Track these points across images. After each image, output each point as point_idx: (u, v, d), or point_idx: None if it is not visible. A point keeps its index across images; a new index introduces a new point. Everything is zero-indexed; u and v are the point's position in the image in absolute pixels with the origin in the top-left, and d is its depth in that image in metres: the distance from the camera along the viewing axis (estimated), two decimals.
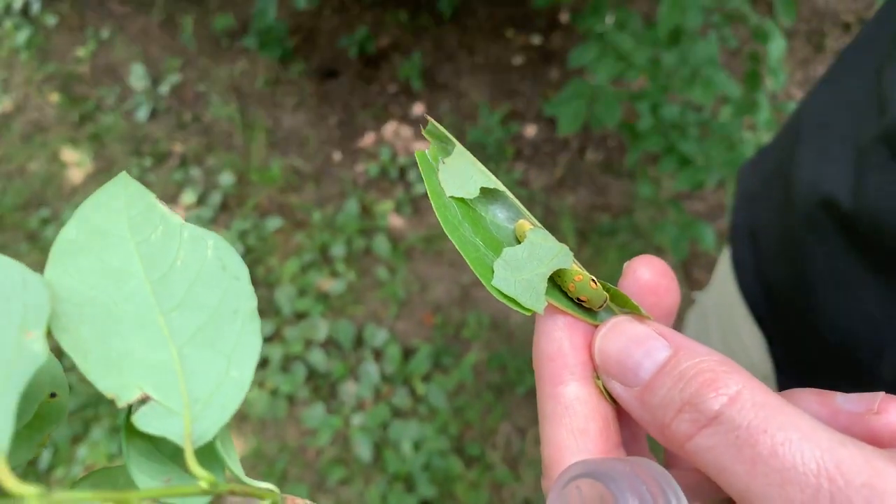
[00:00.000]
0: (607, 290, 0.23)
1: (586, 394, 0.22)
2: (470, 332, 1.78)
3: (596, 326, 0.23)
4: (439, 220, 0.21)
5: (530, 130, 2.17)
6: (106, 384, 0.16)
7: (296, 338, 1.72)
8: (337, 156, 2.07)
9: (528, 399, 1.71)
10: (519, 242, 0.22)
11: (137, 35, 2.31)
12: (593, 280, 0.22)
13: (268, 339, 1.73)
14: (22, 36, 2.30)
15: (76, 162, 2.03)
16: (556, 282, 0.22)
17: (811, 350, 0.48)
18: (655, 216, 1.94)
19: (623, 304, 0.23)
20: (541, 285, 0.21)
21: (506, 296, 0.21)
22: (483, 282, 0.21)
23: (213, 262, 0.17)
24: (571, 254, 0.22)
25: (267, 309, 1.79)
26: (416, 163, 2.32)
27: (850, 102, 0.43)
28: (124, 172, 0.19)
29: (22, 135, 2.10)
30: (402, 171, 2.03)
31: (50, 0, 2.39)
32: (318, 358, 1.69)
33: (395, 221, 1.97)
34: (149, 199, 0.18)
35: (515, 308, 0.21)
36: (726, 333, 0.59)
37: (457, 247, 0.21)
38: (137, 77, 2.20)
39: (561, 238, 1.53)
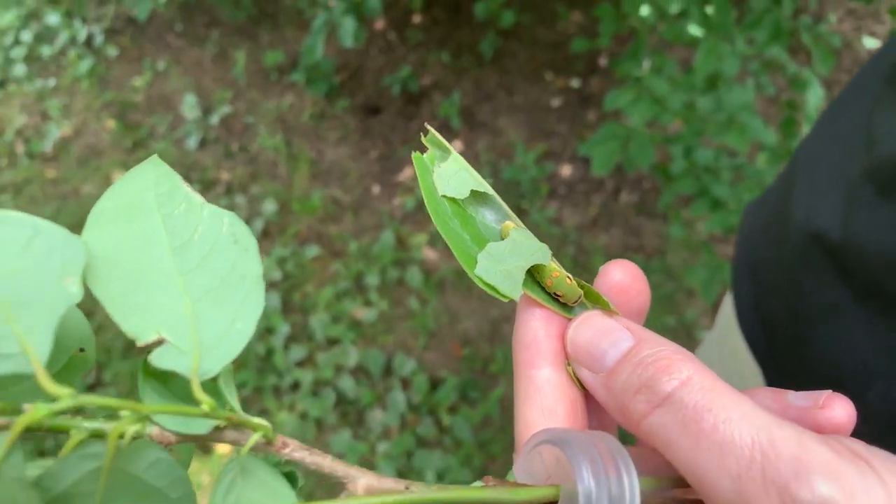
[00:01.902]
0: (582, 288, 0.25)
1: (557, 378, 0.24)
2: (497, 366, 1.79)
3: (570, 320, 0.25)
4: (430, 213, 0.23)
5: (566, 170, 2.20)
6: (129, 326, 0.19)
7: (327, 363, 1.75)
8: (376, 189, 2.12)
9: None
10: None
11: (191, 67, 2.42)
12: (569, 277, 0.25)
13: (299, 364, 1.77)
14: (84, 65, 2.42)
15: None
16: (536, 278, 0.25)
17: (804, 381, 0.49)
18: (688, 258, 1.94)
19: (595, 301, 0.25)
20: (519, 276, 0.23)
21: (487, 283, 0.24)
22: (467, 270, 0.23)
23: (227, 236, 0.20)
24: (550, 252, 0.25)
25: (300, 334, 1.83)
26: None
27: (842, 139, 0.44)
28: (155, 155, 0.23)
29: (78, 158, 2.20)
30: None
31: (112, 33, 2.52)
32: (347, 384, 1.72)
33: (429, 254, 2.01)
34: (175, 180, 0.21)
35: (494, 295, 0.23)
36: (725, 367, 0.60)
37: (445, 238, 0.23)
38: (189, 107, 2.29)
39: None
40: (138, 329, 0.19)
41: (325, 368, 1.75)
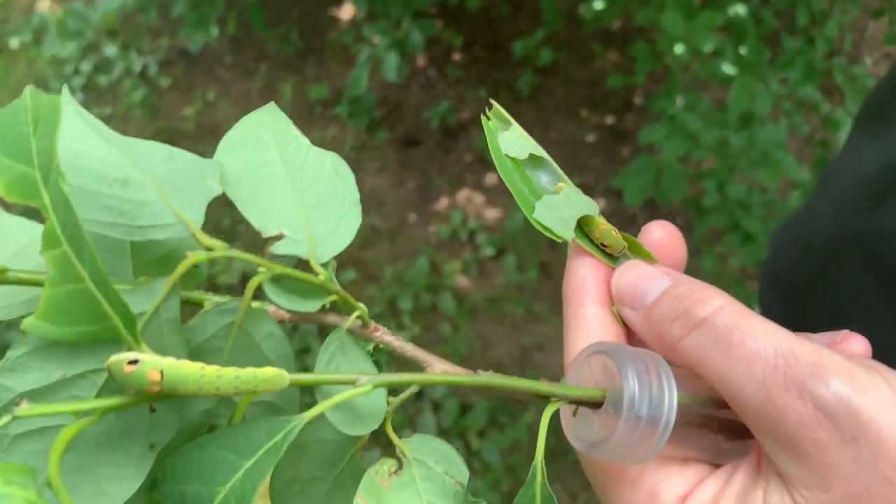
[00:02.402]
0: (626, 240, 0.29)
1: (603, 315, 0.28)
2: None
3: (614, 268, 0.29)
4: (497, 165, 0.28)
5: (599, 203, 2.23)
6: (257, 222, 0.24)
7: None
8: (412, 217, 2.18)
9: (581, 465, 1.71)
10: None
11: (240, 98, 2.52)
12: (615, 230, 0.29)
13: None
14: (138, 95, 2.54)
15: None
16: (585, 232, 0.29)
17: None
18: None
19: (638, 252, 0.29)
20: (571, 222, 0.28)
21: (543, 225, 0.28)
22: (526, 214, 0.28)
23: (330, 169, 0.25)
24: (598, 208, 0.29)
25: None
26: (486, 227, 2.41)
27: (866, 147, 0.48)
28: (272, 103, 0.27)
29: None
30: (472, 235, 2.12)
31: (165, 64, 2.65)
32: None
33: (462, 281, 2.05)
34: (288, 124, 0.26)
35: (549, 235, 0.28)
36: None
37: (508, 186, 0.28)
38: None
39: None
40: (264, 225, 0.23)
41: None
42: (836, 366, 0.22)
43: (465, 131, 2.39)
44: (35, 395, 0.19)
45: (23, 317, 0.22)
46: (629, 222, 2.17)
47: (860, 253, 0.47)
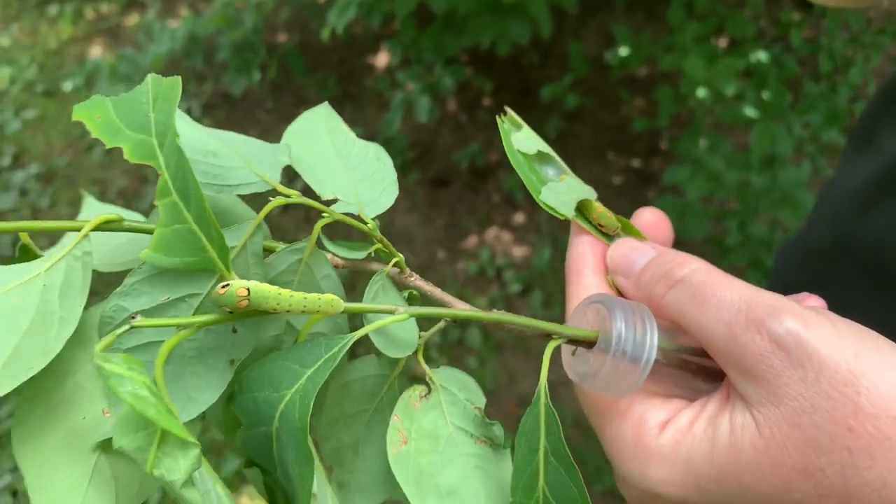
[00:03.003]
0: (620, 221, 0.34)
1: (599, 282, 0.33)
2: None
3: (610, 245, 0.34)
4: (509, 157, 0.33)
5: None
6: (317, 188, 0.29)
7: None
8: (441, 254, 2.24)
9: (605, 497, 1.72)
10: None
11: (278, 140, 2.63)
12: (610, 213, 0.34)
13: None
14: None
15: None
16: (585, 214, 0.34)
17: None
18: None
19: (630, 232, 0.34)
20: (572, 204, 0.33)
21: (548, 205, 0.33)
22: (534, 196, 0.33)
23: (373, 157, 0.31)
24: (596, 194, 0.34)
25: None
26: (513, 264, 2.46)
27: (855, 160, 0.53)
28: (326, 103, 0.33)
29: None
30: (500, 272, 2.16)
31: (209, 107, 2.78)
32: None
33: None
34: (339, 121, 0.32)
35: (553, 213, 0.33)
36: None
37: (519, 174, 0.33)
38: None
39: None
40: (322, 191, 0.29)
41: None
42: (789, 308, 0.27)
43: (493, 173, 2.46)
44: (144, 315, 0.24)
45: (120, 273, 0.28)
46: None
47: (851, 258, 0.51)
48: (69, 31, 3.48)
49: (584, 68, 2.33)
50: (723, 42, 2.43)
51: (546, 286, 2.15)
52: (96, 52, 3.31)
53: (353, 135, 0.32)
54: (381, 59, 2.78)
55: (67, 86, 3.10)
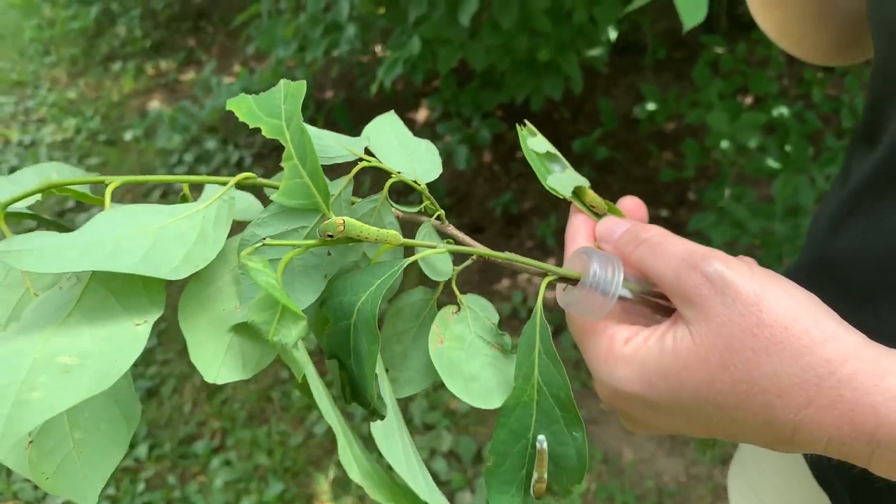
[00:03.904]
0: (607, 204, 0.44)
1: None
2: None
3: (598, 221, 0.44)
4: (525, 154, 0.44)
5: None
6: (387, 164, 0.40)
7: (423, 446, 1.91)
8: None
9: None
10: None
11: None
12: (598, 197, 0.44)
13: None
14: None
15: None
16: (581, 198, 0.44)
17: None
18: None
19: (614, 212, 0.44)
20: (570, 188, 0.43)
21: (553, 188, 0.43)
22: (542, 181, 0.43)
23: (424, 149, 0.42)
24: (588, 183, 0.44)
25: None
26: (545, 306, 2.54)
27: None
28: (392, 111, 0.45)
29: None
30: (530, 313, 2.25)
31: (259, 156, 2.96)
32: (440, 466, 1.86)
33: None
34: (400, 124, 0.43)
35: (556, 193, 0.43)
36: None
37: (532, 166, 0.44)
38: None
39: None
40: (391, 166, 0.40)
41: (421, 450, 1.89)
42: (717, 256, 0.37)
43: (526, 220, 2.57)
44: (270, 239, 0.35)
45: (240, 222, 0.39)
46: None
47: (826, 272, 0.59)
48: (130, 85, 3.75)
49: (614, 123, 2.46)
50: (747, 100, 2.54)
51: None
52: (155, 104, 3.56)
53: (410, 133, 0.43)
54: (421, 115, 2.95)
55: (128, 135, 3.32)
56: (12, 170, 3.01)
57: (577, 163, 2.63)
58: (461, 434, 1.95)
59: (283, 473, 1.90)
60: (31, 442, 0.35)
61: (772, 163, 1.95)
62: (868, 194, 0.57)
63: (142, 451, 1.94)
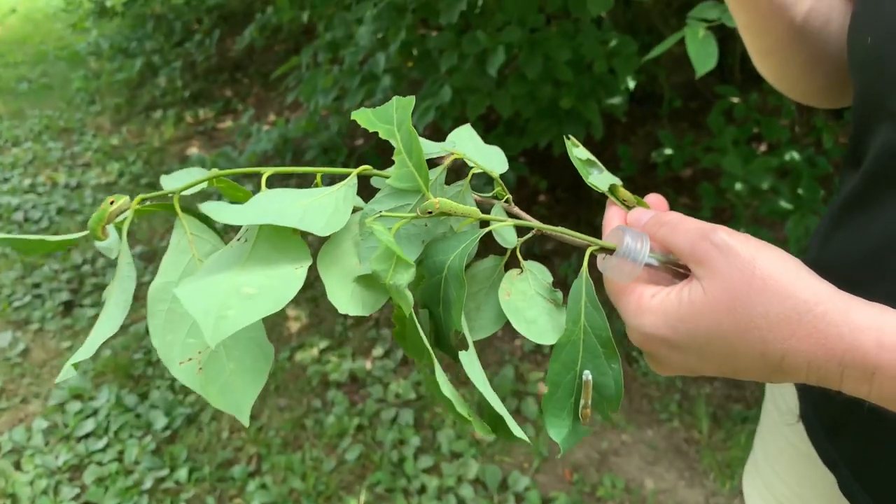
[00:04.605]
0: (635, 199, 0.55)
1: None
2: (604, 491, 1.95)
3: (628, 211, 0.55)
4: (572, 160, 0.55)
5: None
6: (467, 160, 0.51)
7: (451, 473, 1.98)
8: (500, 332, 2.43)
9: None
10: None
11: None
12: (629, 193, 0.55)
13: (426, 471, 2.00)
14: None
15: (295, 316, 2.55)
16: (615, 194, 0.55)
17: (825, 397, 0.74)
18: None
19: (641, 205, 0.55)
20: (606, 185, 0.54)
21: (594, 185, 0.54)
22: (584, 179, 0.54)
23: (495, 151, 0.53)
24: (621, 182, 0.55)
25: (428, 447, 2.08)
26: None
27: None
28: (468, 124, 0.56)
29: None
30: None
31: None
32: (467, 492, 1.93)
33: (544, 389, 2.25)
34: (474, 133, 0.55)
35: (596, 189, 0.54)
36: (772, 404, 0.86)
37: (577, 169, 0.55)
38: None
39: (694, 422, 1.75)
40: (474, 163, 0.51)
41: (448, 477, 1.98)
42: (722, 228, 0.47)
43: (548, 260, 2.68)
44: (385, 213, 0.47)
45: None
46: None
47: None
48: (170, 132, 3.95)
49: (633, 168, 2.58)
50: (761, 148, 2.66)
51: None
52: (194, 150, 3.74)
53: (481, 140, 0.54)
54: (449, 158, 3.09)
55: None
56: (59, 210, 3.17)
57: (598, 206, 2.74)
58: (487, 462, 2.02)
59: (317, 497, 1.97)
60: (200, 369, 0.46)
61: (784, 204, 2.05)
62: (852, 208, 0.68)
63: (182, 473, 2.03)
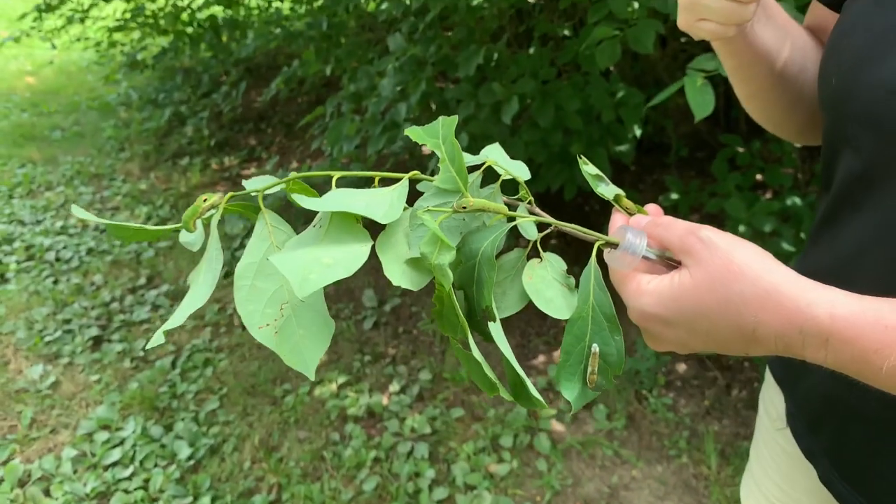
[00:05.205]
0: (636, 207, 0.65)
1: None
2: None
3: (630, 217, 0.65)
4: (584, 175, 0.65)
5: (681, 367, 2.51)
6: (497, 169, 0.62)
7: None
8: None
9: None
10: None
11: (370, 270, 3.03)
12: (630, 202, 0.65)
13: (441, 502, 2.06)
14: None
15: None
16: (619, 202, 0.65)
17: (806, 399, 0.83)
18: None
19: (641, 212, 0.66)
20: (612, 195, 0.64)
21: (601, 193, 0.64)
22: (594, 189, 0.65)
23: (520, 164, 0.64)
24: (624, 193, 0.65)
25: (443, 479, 2.14)
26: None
27: None
28: (497, 143, 0.67)
29: None
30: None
31: None
32: None
33: (556, 426, 2.32)
34: (503, 152, 0.66)
35: (603, 197, 0.64)
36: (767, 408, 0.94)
37: (588, 182, 0.65)
38: (368, 298, 2.86)
39: (703, 458, 1.82)
40: (500, 170, 0.62)
41: None
42: (707, 227, 0.57)
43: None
44: (431, 209, 0.57)
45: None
46: (710, 383, 2.41)
47: None
48: (197, 178, 4.11)
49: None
50: (766, 196, 2.77)
51: (609, 401, 2.37)
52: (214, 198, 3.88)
53: (507, 156, 0.65)
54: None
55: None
56: (89, 251, 3.30)
57: (589, 247, 2.84)
58: (500, 494, 2.08)
59: None
60: (276, 333, 0.56)
61: (787, 246, 2.14)
62: (824, 227, 0.78)
63: (205, 501, 2.10)
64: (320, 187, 0.60)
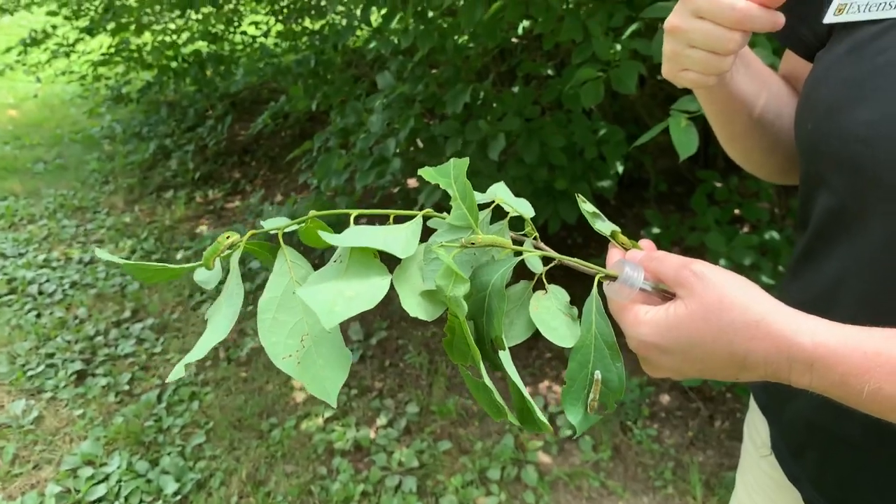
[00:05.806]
0: (631, 243, 0.70)
1: None
2: None
3: (626, 252, 0.69)
4: (582, 212, 0.70)
5: (665, 398, 2.54)
6: (505, 207, 0.66)
7: None
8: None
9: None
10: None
11: None
12: (626, 238, 0.69)
13: None
14: None
15: (300, 387, 2.64)
16: (615, 238, 0.69)
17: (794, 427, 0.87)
18: None
19: (636, 248, 0.70)
20: (608, 230, 0.68)
21: (599, 230, 0.68)
22: (592, 225, 0.69)
23: (524, 201, 0.68)
24: (619, 229, 0.70)
25: None
26: (563, 411, 2.73)
27: None
28: (502, 182, 0.71)
29: (265, 363, 2.77)
30: (552, 418, 2.43)
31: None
32: None
33: (543, 458, 2.33)
34: (508, 190, 0.70)
35: (601, 233, 0.68)
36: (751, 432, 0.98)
37: (587, 219, 0.69)
38: (354, 331, 2.88)
39: (688, 489, 1.86)
40: (508, 208, 0.66)
41: None
42: (700, 261, 0.61)
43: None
44: (444, 244, 0.61)
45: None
46: (693, 414, 2.45)
47: None
48: (181, 211, 4.11)
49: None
50: (744, 229, 2.84)
51: (595, 433, 2.40)
52: (203, 228, 3.90)
53: (511, 194, 0.69)
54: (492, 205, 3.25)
55: (179, 255, 3.64)
56: (73, 284, 3.28)
57: (590, 282, 2.89)
58: None
59: None
60: (298, 363, 0.59)
61: (766, 279, 2.21)
62: (802, 263, 0.83)
63: None
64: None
